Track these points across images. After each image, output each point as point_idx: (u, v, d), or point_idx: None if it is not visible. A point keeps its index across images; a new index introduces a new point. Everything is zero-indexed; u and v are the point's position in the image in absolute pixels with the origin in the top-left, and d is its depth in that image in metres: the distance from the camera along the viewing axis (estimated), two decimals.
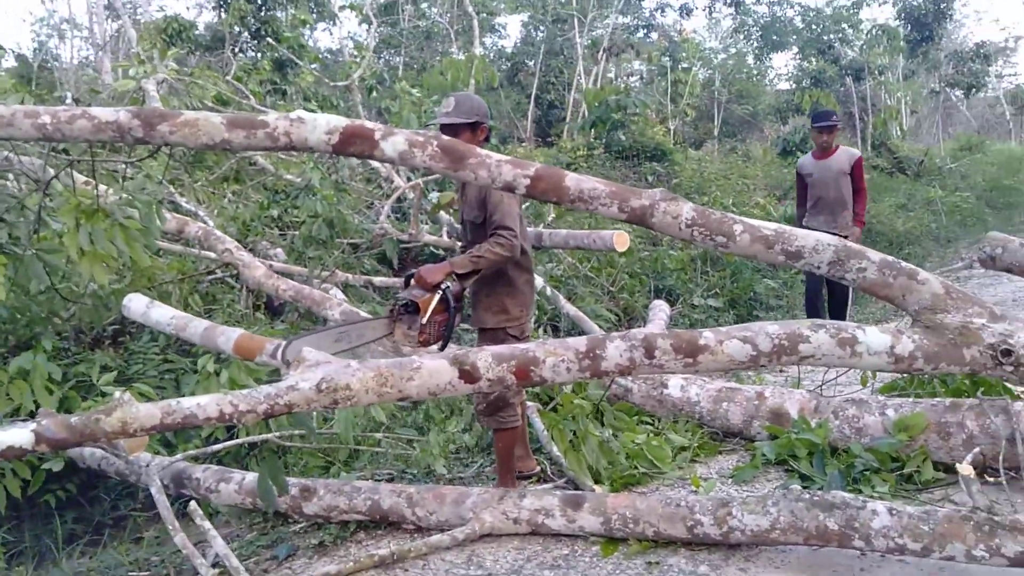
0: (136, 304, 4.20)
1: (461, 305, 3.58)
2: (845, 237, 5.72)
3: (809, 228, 5.61)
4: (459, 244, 3.99)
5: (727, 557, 3.10)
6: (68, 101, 9.23)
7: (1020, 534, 2.61)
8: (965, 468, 2.88)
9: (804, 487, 3.53)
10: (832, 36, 21.96)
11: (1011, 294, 8.24)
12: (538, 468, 4.00)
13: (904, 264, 2.82)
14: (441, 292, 3.39)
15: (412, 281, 3.47)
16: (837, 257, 2.81)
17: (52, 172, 3.86)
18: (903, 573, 2.90)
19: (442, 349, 3.39)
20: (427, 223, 7.55)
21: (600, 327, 6.15)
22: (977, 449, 3.49)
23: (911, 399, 4.06)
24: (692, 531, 3.12)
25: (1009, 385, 3.81)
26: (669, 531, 3.16)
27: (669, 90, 19.89)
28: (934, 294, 2.74)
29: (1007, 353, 2.62)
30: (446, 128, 3.55)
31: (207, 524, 3.31)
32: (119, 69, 8.94)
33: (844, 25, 21.99)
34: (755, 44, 25.40)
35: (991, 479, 3.46)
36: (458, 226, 7.06)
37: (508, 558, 3.25)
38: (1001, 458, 3.37)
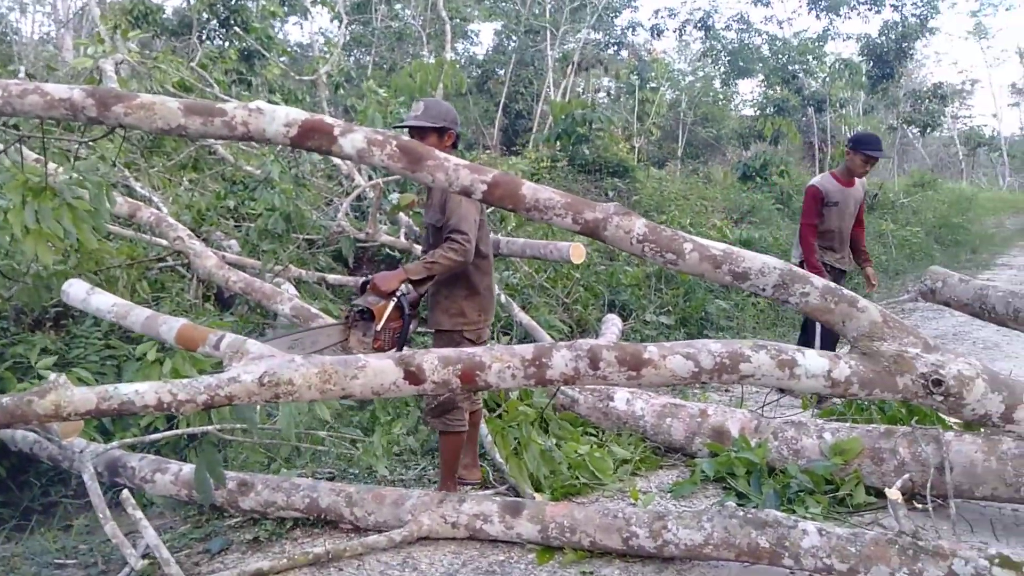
0: (76, 290, 4.09)
1: (416, 312, 3.59)
2: (844, 271, 5.62)
3: (826, 263, 5.48)
4: (420, 248, 3.99)
5: (660, 570, 3.14)
6: (21, 75, 9.01)
7: (942, 559, 2.69)
8: (893, 493, 2.95)
9: (740, 505, 3.58)
10: (797, 67, 22.41)
11: (952, 328, 8.47)
12: (480, 479, 4.00)
13: (846, 292, 2.90)
14: (396, 299, 3.42)
15: (367, 288, 3.48)
16: (782, 281, 2.87)
17: (0, 146, 3.76)
18: None
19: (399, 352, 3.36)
20: (385, 223, 7.51)
21: (552, 338, 6.18)
22: (907, 476, 3.59)
23: (848, 424, 4.16)
24: (627, 543, 3.15)
25: (943, 415, 3.92)
26: (605, 542, 3.18)
27: (636, 108, 20.09)
28: (872, 322, 2.82)
29: (938, 383, 2.70)
30: (413, 131, 3.59)
31: (139, 513, 3.24)
32: (80, 47, 8.75)
33: (809, 57, 22.46)
34: (722, 69, 25.80)
35: (919, 505, 3.56)
36: (418, 229, 7.07)
37: (444, 562, 3.24)
38: (929, 485, 3.47)
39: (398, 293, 3.42)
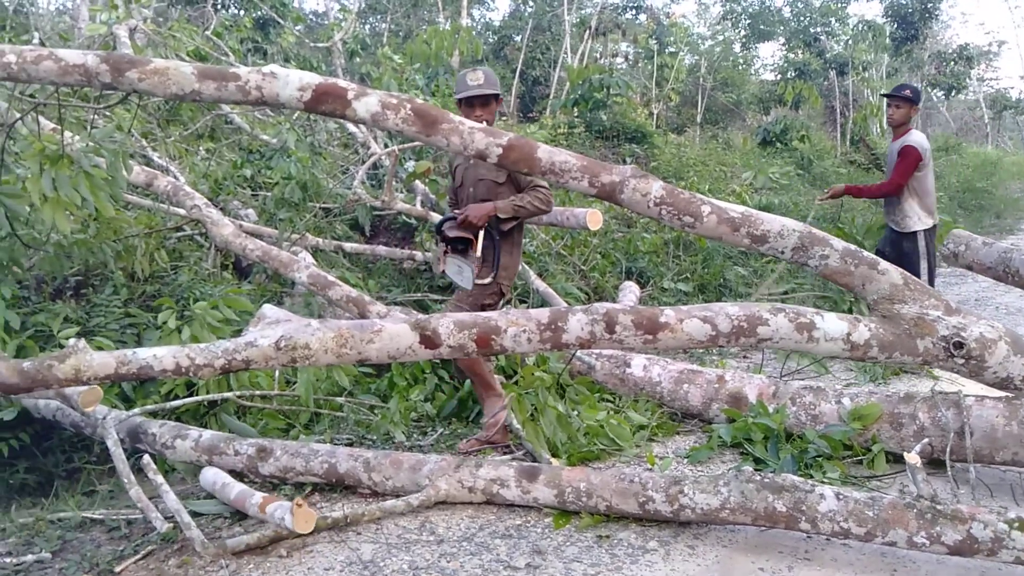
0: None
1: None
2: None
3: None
4: (450, 206, 4.15)
5: (677, 534, 3.14)
6: (35, 42, 9.01)
7: (960, 523, 2.67)
8: (912, 457, 2.92)
9: (757, 470, 3.57)
10: (819, 29, 22.03)
11: (975, 293, 8.36)
12: (509, 441, 4.04)
13: (866, 254, 2.86)
14: (485, 229, 3.78)
15: (456, 222, 3.77)
16: (801, 243, 2.84)
17: (17, 115, 3.77)
18: (845, 557, 2.96)
19: (495, 279, 3.81)
20: (402, 191, 7.50)
21: (569, 305, 6.17)
22: (926, 440, 3.56)
23: (867, 389, 4.12)
24: (644, 507, 3.15)
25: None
26: (621, 506, 3.19)
27: (654, 73, 19.85)
28: (893, 284, 2.78)
29: (959, 346, 2.67)
30: (479, 98, 3.84)
31: (160, 478, 3.29)
32: (95, 15, 8.73)
33: (831, 19, 22.05)
34: (742, 33, 25.39)
35: (938, 471, 3.54)
36: (434, 197, 7.05)
37: (461, 526, 3.26)
38: (949, 450, 3.45)
39: (485, 225, 3.76)
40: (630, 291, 6.78)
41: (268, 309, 2.76)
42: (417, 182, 7.23)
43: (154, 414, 4.16)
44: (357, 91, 2.93)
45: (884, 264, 2.82)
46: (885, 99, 5.47)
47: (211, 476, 3.49)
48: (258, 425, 4.34)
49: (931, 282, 5.35)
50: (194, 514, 3.26)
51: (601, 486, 3.23)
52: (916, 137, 5.58)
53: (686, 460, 3.94)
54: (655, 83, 19.62)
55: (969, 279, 8.82)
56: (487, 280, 3.80)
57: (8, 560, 3.12)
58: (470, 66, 14.57)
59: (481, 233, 3.78)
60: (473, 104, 3.81)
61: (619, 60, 23.77)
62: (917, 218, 5.51)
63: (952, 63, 24.81)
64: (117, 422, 3.84)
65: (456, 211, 3.86)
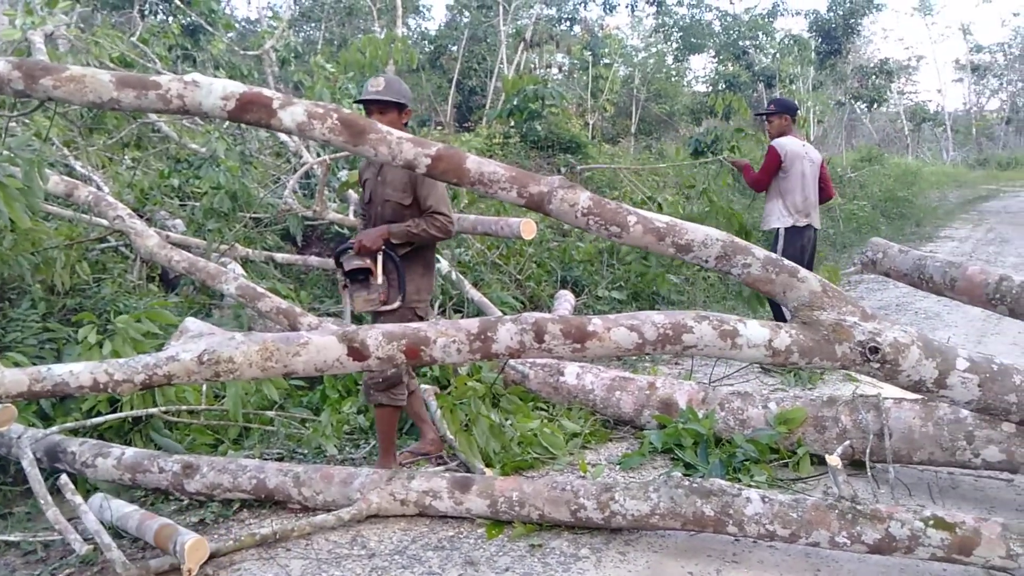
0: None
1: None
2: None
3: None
4: (360, 224, 4.03)
5: (608, 541, 3.17)
6: None
7: (879, 522, 2.76)
8: (833, 459, 3.01)
9: (687, 475, 3.64)
10: (747, 43, 22.61)
11: (895, 299, 8.66)
12: (444, 450, 4.02)
13: (786, 262, 2.94)
14: (383, 252, 3.62)
15: (352, 251, 3.64)
16: (724, 252, 2.90)
17: None
18: (772, 559, 3.03)
19: (403, 301, 3.65)
20: (334, 201, 7.41)
21: (505, 314, 6.17)
22: (848, 442, 3.68)
23: (792, 393, 4.23)
24: (576, 515, 3.18)
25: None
26: (554, 514, 3.20)
27: (589, 84, 20.06)
28: (812, 291, 2.86)
29: (874, 351, 2.76)
30: (375, 103, 3.67)
31: (78, 499, 3.17)
32: (7, 18, 8.43)
33: (759, 33, 22.66)
34: (675, 45, 25.87)
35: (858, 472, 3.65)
36: (355, 206, 6.98)
37: (393, 539, 3.24)
38: (868, 451, 3.56)
39: (382, 247, 3.62)
40: (565, 300, 6.83)
41: (191, 322, 2.70)
42: (350, 191, 7.16)
43: (75, 432, 4.01)
44: (283, 100, 2.89)
45: (804, 272, 2.90)
46: (761, 117, 6.05)
47: (99, 502, 3.36)
48: (185, 441, 4.22)
49: None
50: (115, 535, 3.16)
51: (534, 495, 3.24)
52: (782, 141, 6.04)
53: (618, 467, 3.99)
54: (590, 94, 19.84)
55: (891, 285, 9.12)
56: (395, 305, 3.63)
57: None
58: (405, 75, 14.42)
59: (380, 257, 3.62)
60: (371, 110, 3.67)
61: (554, 71, 24.00)
62: (776, 217, 6.02)
63: (874, 77, 25.73)
64: (33, 441, 3.70)
65: (352, 240, 3.73)
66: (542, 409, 4.66)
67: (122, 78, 2.86)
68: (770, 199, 6.08)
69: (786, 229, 5.94)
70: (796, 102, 6.50)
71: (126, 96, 2.83)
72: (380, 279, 3.59)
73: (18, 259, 4.57)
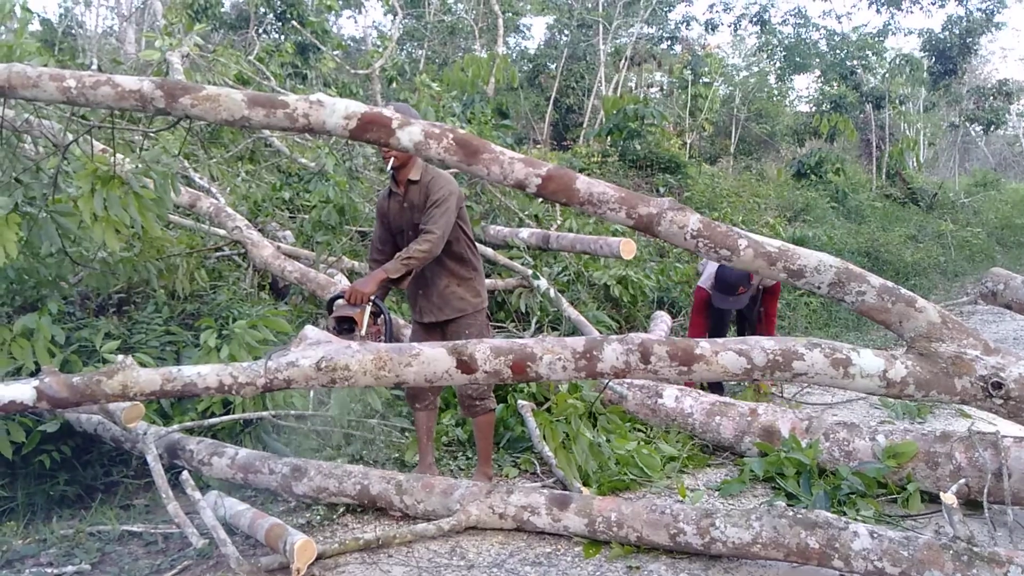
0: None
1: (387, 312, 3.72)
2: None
3: None
4: (371, 265, 4.02)
5: (707, 568, 3.13)
6: (93, 67, 9.27)
7: (997, 566, 2.63)
8: (949, 498, 2.90)
9: (790, 505, 3.55)
10: (855, 62, 21.89)
11: (1013, 332, 8.24)
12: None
13: (903, 291, 2.85)
14: (371, 303, 3.55)
15: (343, 299, 3.58)
16: (838, 279, 2.84)
17: (71, 137, 3.89)
18: None
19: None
20: None
21: (601, 333, 6.17)
22: (963, 480, 3.52)
23: (902, 427, 4.08)
24: (675, 539, 3.15)
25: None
26: (652, 537, 3.19)
27: (688, 104, 19.87)
28: (930, 322, 2.77)
29: (998, 386, 2.65)
30: None
31: (197, 494, 3.35)
32: (144, 39, 8.98)
33: (868, 52, 21.94)
34: (778, 64, 25.29)
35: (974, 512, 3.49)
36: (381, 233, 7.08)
37: (491, 552, 3.28)
38: (986, 491, 3.40)
39: (371, 296, 3.54)
40: (662, 320, 6.79)
41: (310, 330, 2.82)
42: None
43: (191, 431, 4.23)
44: (401, 121, 3.00)
45: (922, 302, 2.81)
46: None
47: (213, 499, 3.53)
48: (291, 445, 4.39)
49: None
50: (230, 531, 3.31)
51: (632, 516, 3.23)
52: None
53: (717, 493, 3.93)
54: (689, 113, 19.64)
55: (1007, 317, 8.69)
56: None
57: (49, 570, 3.19)
58: (505, 94, 14.62)
59: (368, 307, 3.53)
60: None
61: (654, 90, 23.87)
62: None
63: (991, 98, 24.51)
64: (156, 438, 3.91)
65: (344, 289, 3.67)
66: (639, 431, 4.64)
67: (253, 97, 3.02)
68: None
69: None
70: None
71: (256, 114, 2.99)
72: (363, 331, 3.49)
73: (146, 265, 4.85)
